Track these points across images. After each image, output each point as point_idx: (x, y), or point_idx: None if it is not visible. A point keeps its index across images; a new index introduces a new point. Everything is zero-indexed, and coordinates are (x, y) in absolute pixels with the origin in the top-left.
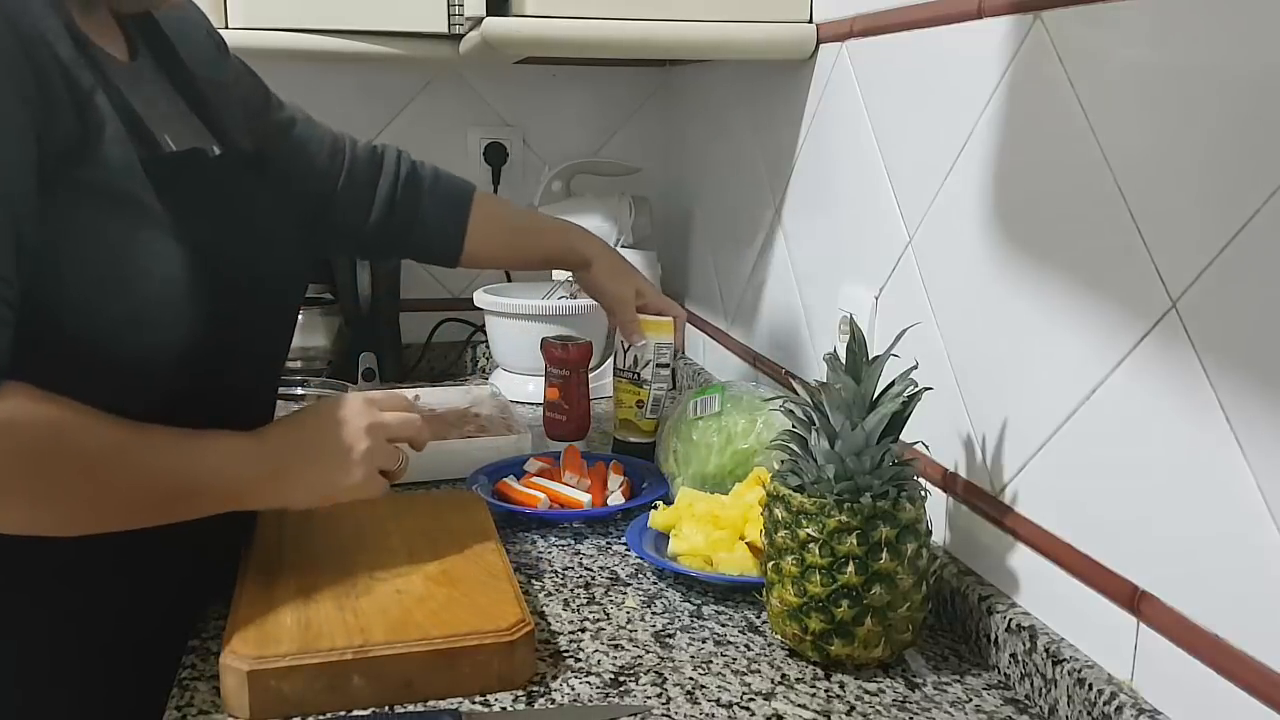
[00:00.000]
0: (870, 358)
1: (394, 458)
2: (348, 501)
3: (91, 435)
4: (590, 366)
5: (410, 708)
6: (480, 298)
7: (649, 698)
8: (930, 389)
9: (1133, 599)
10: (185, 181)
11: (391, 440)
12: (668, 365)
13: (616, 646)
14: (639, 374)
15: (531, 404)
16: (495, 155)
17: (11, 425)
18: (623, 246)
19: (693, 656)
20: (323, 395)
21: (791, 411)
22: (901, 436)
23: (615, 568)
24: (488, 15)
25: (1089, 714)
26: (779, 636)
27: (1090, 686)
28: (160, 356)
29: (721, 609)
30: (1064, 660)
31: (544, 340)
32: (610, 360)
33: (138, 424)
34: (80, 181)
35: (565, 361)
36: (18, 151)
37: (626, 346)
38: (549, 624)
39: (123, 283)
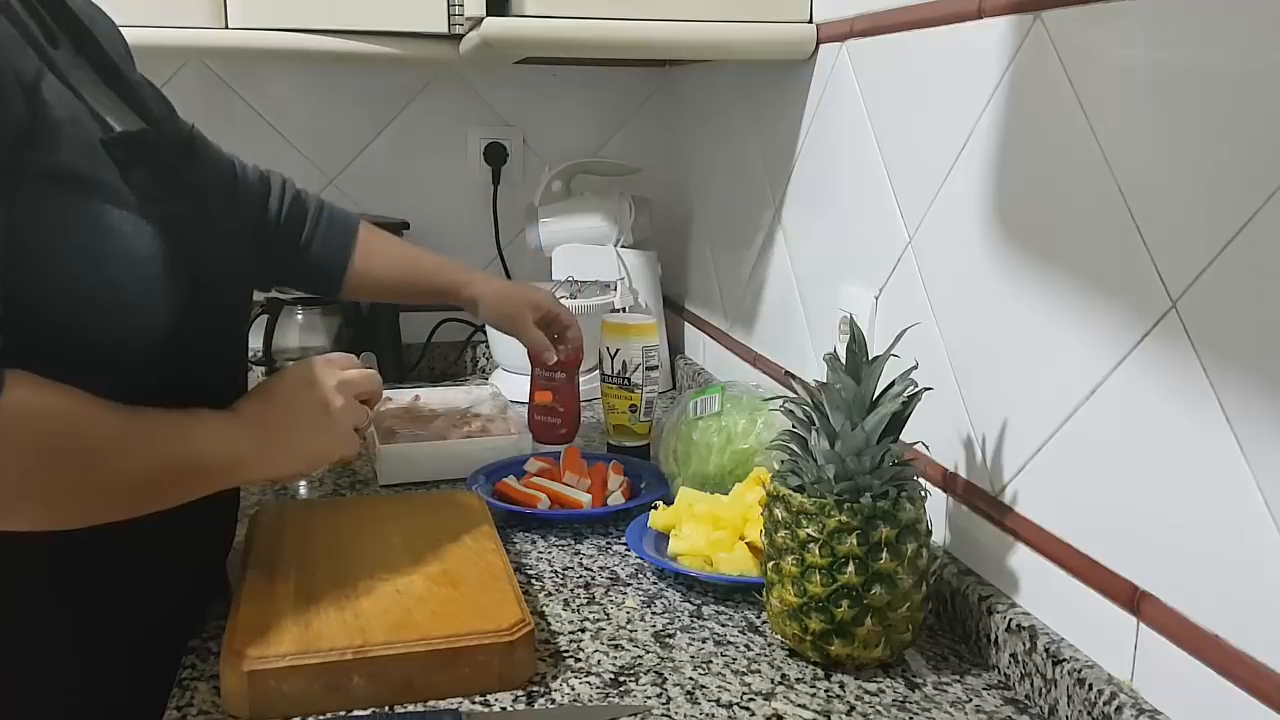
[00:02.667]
0: (870, 358)
1: (363, 414)
2: (329, 463)
3: (97, 422)
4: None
5: (410, 708)
6: None
7: (649, 698)
8: (930, 389)
9: (1133, 599)
10: (143, 162)
11: (358, 397)
12: (656, 367)
13: (616, 646)
14: (629, 379)
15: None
16: (495, 155)
17: (24, 414)
18: (623, 246)
19: (693, 656)
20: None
21: (791, 411)
22: (901, 436)
23: (615, 568)
24: (488, 15)
25: (1089, 714)
26: (779, 636)
27: (1090, 686)
28: (141, 340)
29: (721, 609)
30: (1064, 660)
31: None
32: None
33: (132, 408)
34: (43, 168)
35: (557, 364)
36: None
37: (614, 352)
38: (549, 624)
39: (101, 266)
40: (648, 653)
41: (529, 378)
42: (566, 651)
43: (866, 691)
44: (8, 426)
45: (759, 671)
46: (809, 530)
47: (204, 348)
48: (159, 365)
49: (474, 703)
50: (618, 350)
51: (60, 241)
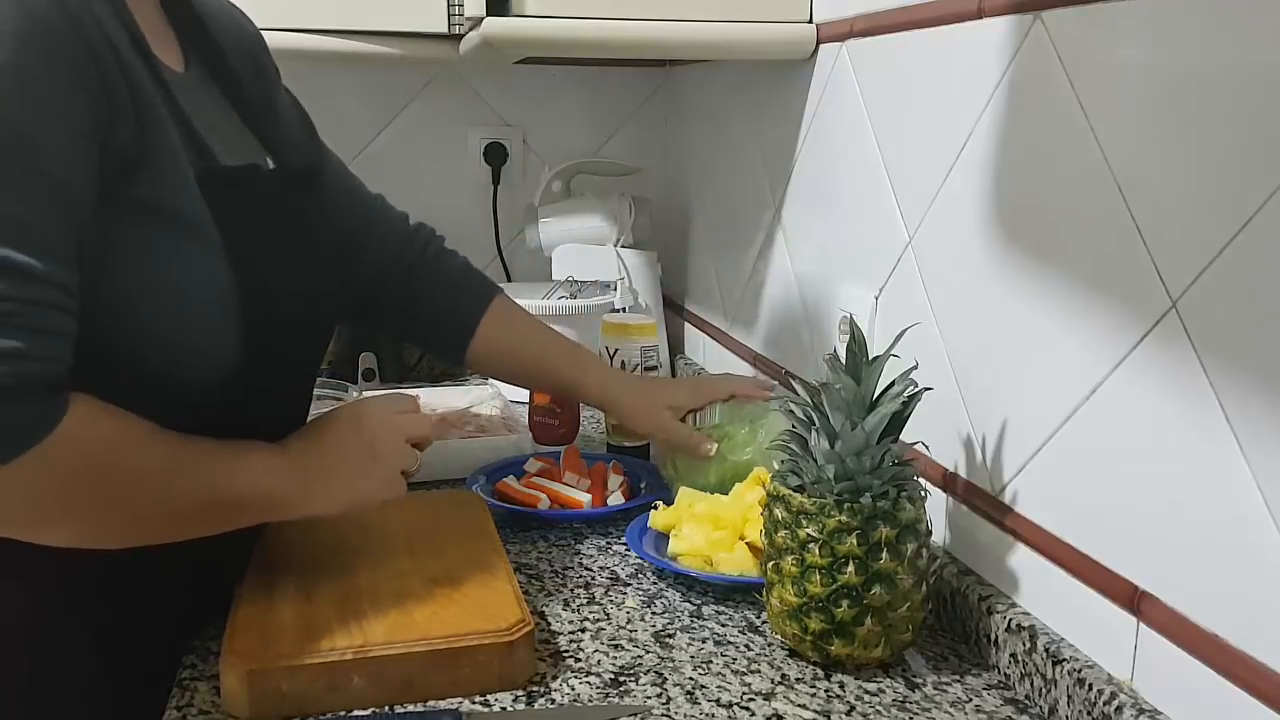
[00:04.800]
0: (870, 358)
1: (412, 458)
2: (371, 506)
3: (144, 452)
4: None
5: (410, 708)
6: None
7: (649, 698)
8: (930, 389)
9: (1133, 599)
10: (237, 197)
11: (408, 440)
12: (656, 368)
13: (616, 646)
14: None
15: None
16: (495, 155)
17: (71, 440)
18: (623, 246)
19: (693, 656)
20: (327, 396)
21: (791, 411)
22: (901, 436)
23: (615, 568)
24: (488, 15)
25: (1089, 714)
26: (779, 636)
27: (1090, 686)
28: (206, 373)
29: (721, 609)
30: (1064, 660)
31: None
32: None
33: (181, 437)
34: (134, 196)
35: None
36: (84, 165)
37: (612, 353)
38: (549, 624)
39: (174, 302)
40: (648, 653)
41: None
42: (566, 651)
43: (866, 691)
44: (57, 449)
45: (759, 671)
46: (809, 530)
47: (267, 385)
48: (228, 389)
49: (474, 703)
50: (617, 350)
51: (134, 271)
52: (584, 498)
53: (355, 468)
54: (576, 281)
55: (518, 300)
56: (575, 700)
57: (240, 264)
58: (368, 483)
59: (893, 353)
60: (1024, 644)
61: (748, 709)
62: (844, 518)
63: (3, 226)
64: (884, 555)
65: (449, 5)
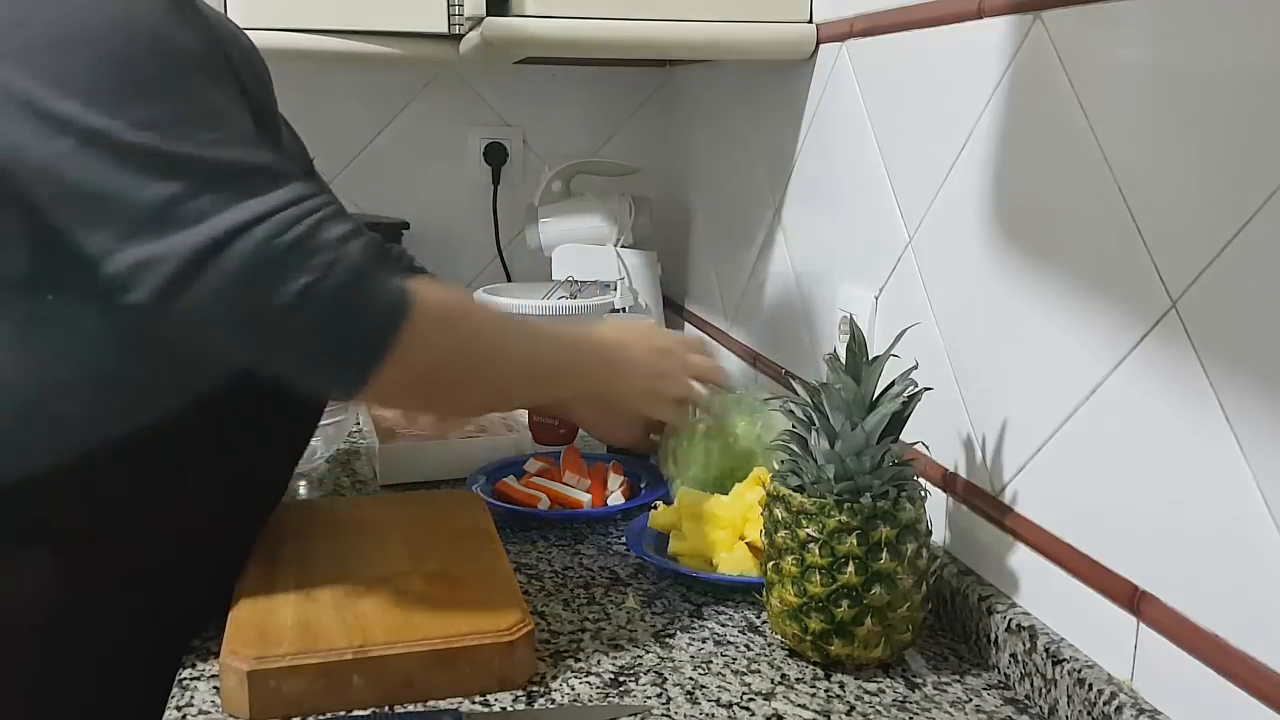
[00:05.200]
0: (870, 358)
1: (690, 390)
2: (650, 417)
3: (481, 311)
4: None
5: (410, 708)
6: (480, 298)
7: (649, 698)
8: (930, 389)
9: (1133, 599)
10: None
11: (694, 375)
12: None
13: (616, 646)
14: None
15: None
16: (495, 155)
17: (428, 296)
18: (623, 246)
19: (693, 656)
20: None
21: (791, 411)
22: (901, 436)
23: (615, 568)
24: (488, 15)
25: (1089, 714)
26: (779, 636)
27: (1090, 686)
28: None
29: (721, 609)
30: (1064, 660)
31: None
32: None
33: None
34: None
35: None
36: None
37: None
38: (549, 624)
39: None
40: (648, 653)
41: None
42: (566, 651)
43: (866, 691)
44: (424, 305)
45: (759, 671)
46: (809, 530)
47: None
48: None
49: (474, 703)
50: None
51: None
52: (584, 498)
53: (646, 372)
54: (576, 281)
55: (518, 300)
56: (575, 700)
57: None
58: (651, 392)
59: (893, 353)
60: (1024, 644)
61: (748, 709)
62: (844, 518)
63: (251, 140)
64: (884, 555)
65: (449, 5)
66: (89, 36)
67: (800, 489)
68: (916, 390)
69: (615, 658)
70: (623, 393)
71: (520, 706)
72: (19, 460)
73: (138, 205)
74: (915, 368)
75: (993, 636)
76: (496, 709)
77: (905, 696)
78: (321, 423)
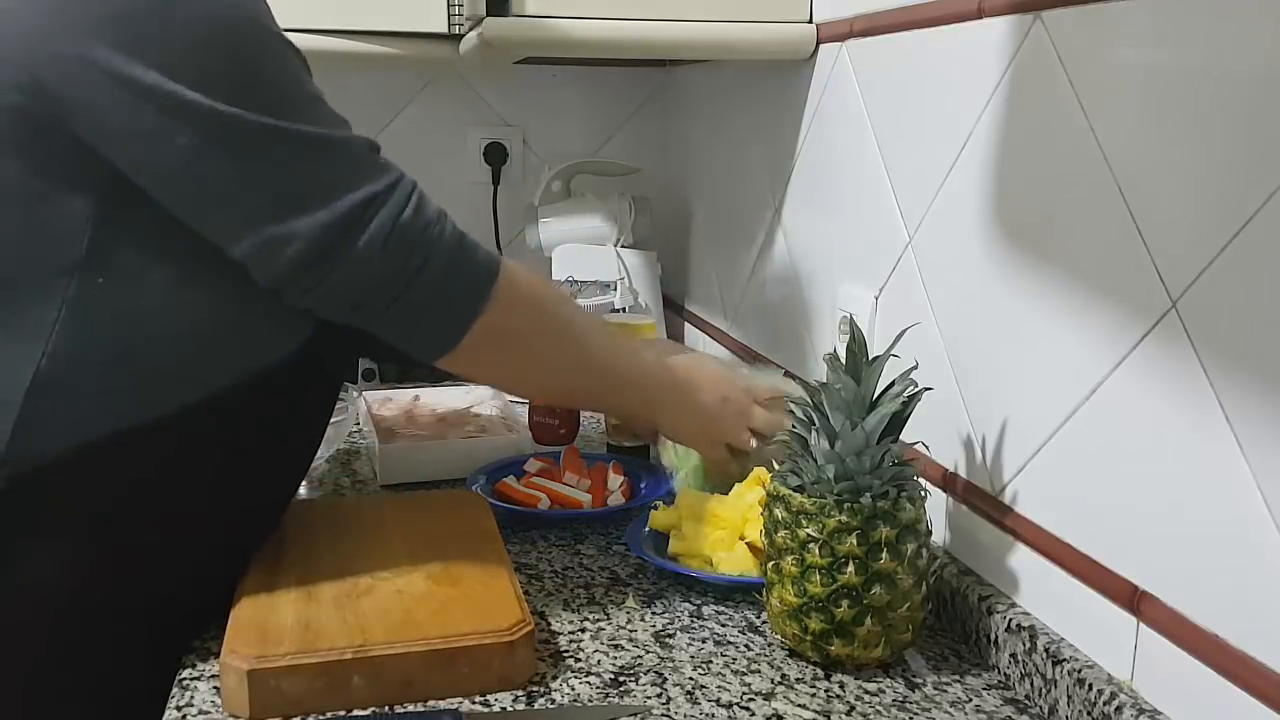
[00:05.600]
0: (870, 358)
1: (745, 441)
2: (705, 456)
3: (562, 298)
4: None
5: (410, 708)
6: None
7: (649, 698)
8: (930, 389)
9: (1133, 599)
10: None
11: (749, 426)
12: None
13: (616, 646)
14: None
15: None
16: (495, 155)
17: (514, 274)
18: (623, 246)
19: (693, 656)
20: None
21: (791, 411)
22: (901, 436)
23: (615, 568)
24: (488, 15)
25: (1089, 714)
26: (779, 636)
27: (1090, 686)
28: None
29: (721, 609)
30: (1064, 660)
31: None
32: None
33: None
34: None
35: None
36: None
37: None
38: (549, 624)
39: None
40: (648, 653)
41: None
42: (566, 651)
43: (866, 691)
44: (509, 282)
45: (759, 671)
46: (809, 530)
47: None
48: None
49: (474, 703)
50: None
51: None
52: (584, 498)
53: (708, 416)
54: (576, 281)
55: None
56: (575, 700)
57: None
58: (705, 435)
59: (893, 353)
60: (1024, 644)
61: (748, 709)
62: (844, 518)
63: (365, 163)
64: (884, 555)
65: (449, 5)
66: (195, 30)
67: (800, 489)
68: (916, 390)
69: (615, 658)
70: (679, 430)
71: (520, 706)
72: (44, 445)
73: (265, 187)
74: (915, 368)
75: (993, 636)
76: (496, 709)
77: (905, 696)
78: None
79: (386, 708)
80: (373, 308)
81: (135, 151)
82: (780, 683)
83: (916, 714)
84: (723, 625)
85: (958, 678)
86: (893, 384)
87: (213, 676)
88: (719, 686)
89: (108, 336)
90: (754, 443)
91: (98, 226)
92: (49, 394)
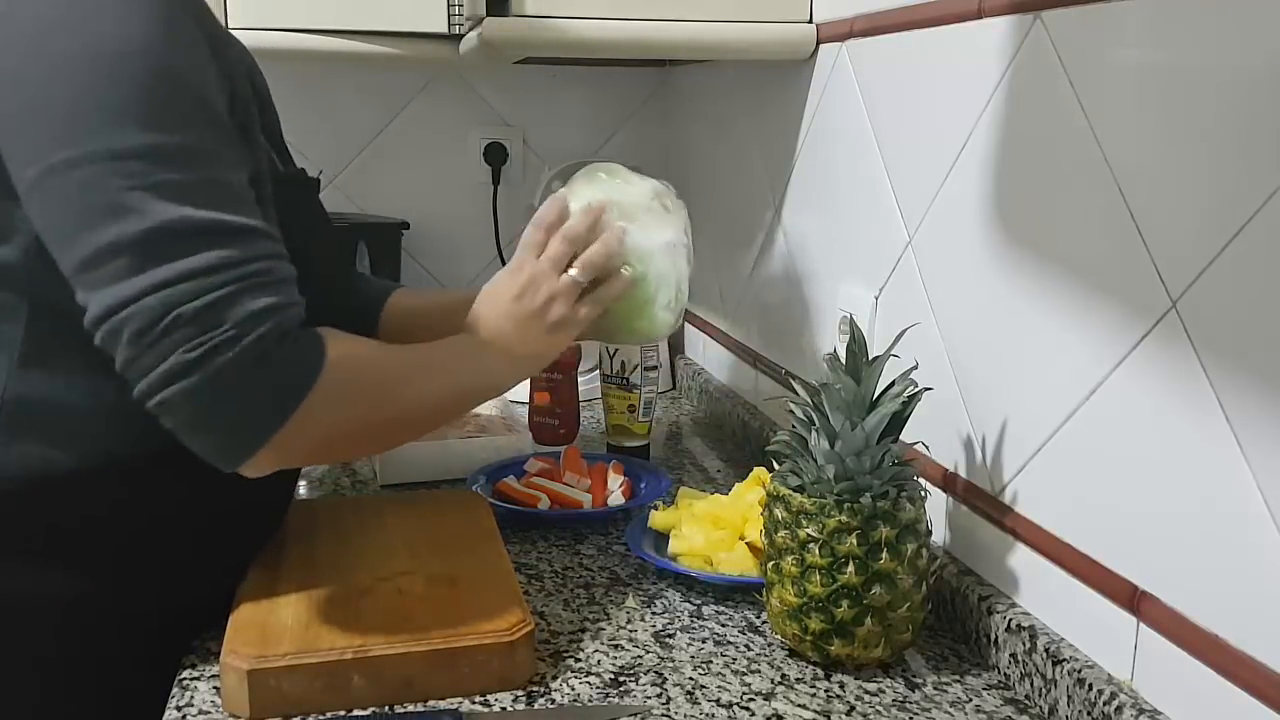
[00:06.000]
0: (870, 358)
1: (573, 296)
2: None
3: (399, 356)
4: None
5: (410, 708)
6: None
7: (649, 698)
8: (930, 389)
9: (1133, 599)
10: (295, 201)
11: (571, 288)
12: (655, 367)
13: (616, 646)
14: (628, 379)
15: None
16: (495, 155)
17: (342, 361)
18: None
19: (693, 656)
20: None
21: (791, 411)
22: (901, 436)
23: (615, 568)
24: (488, 15)
25: (1089, 714)
26: (779, 636)
27: (1090, 686)
28: None
29: (721, 609)
30: (1064, 660)
31: None
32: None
33: (404, 348)
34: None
35: (558, 365)
36: (237, 153)
37: (613, 352)
38: (549, 624)
39: None
40: (648, 653)
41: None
42: (566, 651)
43: (866, 691)
44: (335, 372)
45: (759, 671)
46: (809, 530)
47: None
48: None
49: (474, 703)
50: (616, 350)
51: None
52: (584, 498)
53: (525, 332)
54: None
55: None
56: (575, 700)
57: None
58: (544, 340)
59: (893, 353)
60: (1024, 644)
61: (748, 709)
62: (844, 518)
63: (212, 190)
64: (884, 555)
65: (449, 5)
66: (75, 70)
67: (800, 489)
68: (916, 390)
69: (615, 658)
70: (529, 360)
71: (520, 706)
72: (23, 463)
73: (80, 248)
74: (915, 368)
75: (993, 636)
76: (496, 709)
77: (905, 696)
78: None
79: (386, 708)
80: (152, 400)
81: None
82: (780, 683)
83: (916, 714)
84: (723, 625)
85: (958, 678)
86: (893, 384)
87: (213, 676)
88: (719, 686)
89: (72, 367)
90: (579, 275)
91: (29, 271)
92: (22, 410)
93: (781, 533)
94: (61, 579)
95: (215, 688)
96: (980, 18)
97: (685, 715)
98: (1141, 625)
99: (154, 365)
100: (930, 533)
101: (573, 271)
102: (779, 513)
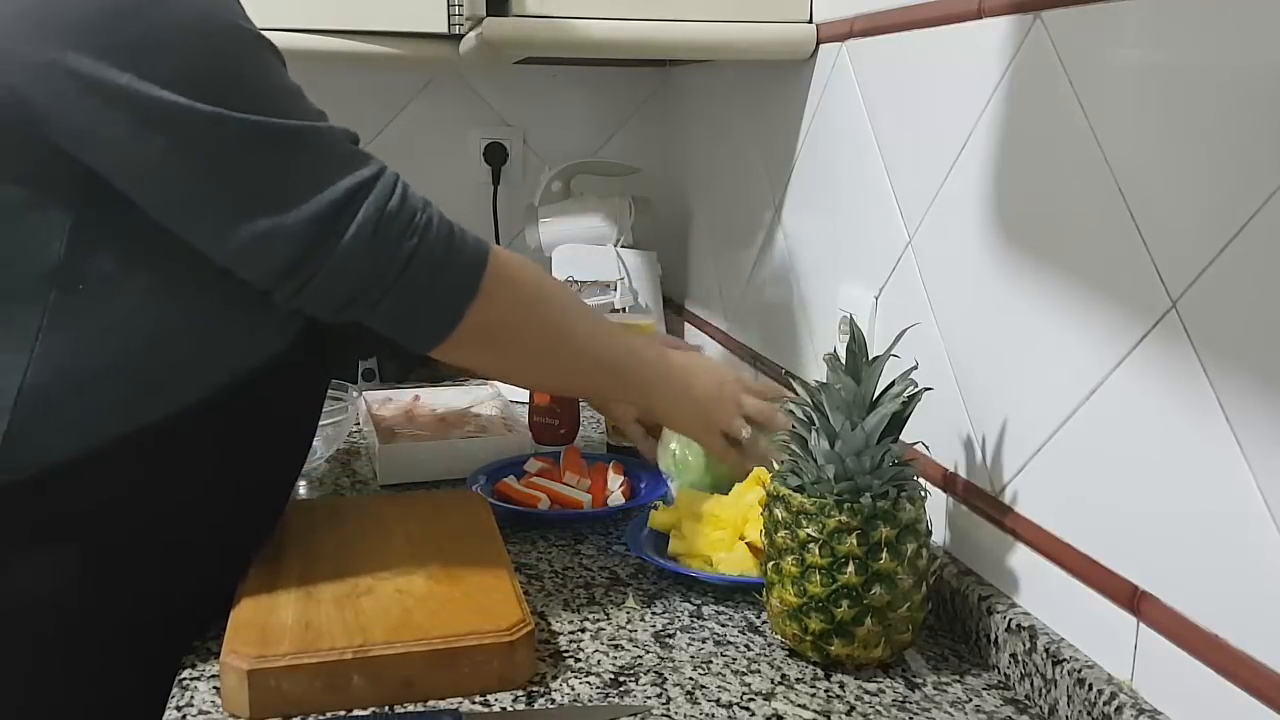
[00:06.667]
0: (870, 358)
1: (739, 429)
2: (702, 441)
3: (556, 285)
4: None
5: (410, 708)
6: None
7: (649, 698)
8: (930, 389)
9: (1133, 599)
10: None
11: (743, 413)
12: None
13: (616, 646)
14: None
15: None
16: (495, 155)
17: (503, 261)
18: (623, 246)
19: (693, 656)
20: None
21: (791, 411)
22: (901, 436)
23: (615, 568)
24: (488, 15)
25: (1089, 714)
26: (779, 636)
27: (1090, 686)
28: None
29: (721, 609)
30: (1064, 660)
31: None
32: None
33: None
34: None
35: None
36: None
37: None
38: (549, 624)
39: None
40: (648, 653)
41: None
42: (566, 651)
43: (866, 691)
44: (500, 268)
45: (759, 671)
46: (809, 530)
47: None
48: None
49: (474, 703)
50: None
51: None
52: (584, 498)
53: (702, 398)
54: (576, 282)
55: None
56: (575, 700)
57: None
58: (700, 418)
59: (893, 353)
60: (1024, 644)
61: (748, 709)
62: (844, 518)
63: (348, 154)
64: (884, 555)
65: (449, 5)
66: (173, 32)
67: (800, 489)
68: (916, 390)
69: (615, 658)
70: (673, 415)
71: (520, 706)
72: (37, 454)
73: (246, 184)
74: (915, 368)
75: (993, 636)
76: (496, 709)
77: (905, 696)
78: (321, 423)
79: (386, 708)
80: (364, 302)
81: (114, 157)
82: (780, 683)
83: (916, 714)
84: (723, 625)
85: (958, 678)
86: (893, 384)
87: (213, 676)
88: (719, 686)
89: (91, 345)
90: (748, 431)
91: (75, 233)
92: (37, 403)
93: (781, 533)
94: (55, 583)
95: (215, 688)
96: (980, 18)
97: (685, 715)
98: (1141, 625)
99: (380, 258)
100: (930, 533)
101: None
102: (779, 513)
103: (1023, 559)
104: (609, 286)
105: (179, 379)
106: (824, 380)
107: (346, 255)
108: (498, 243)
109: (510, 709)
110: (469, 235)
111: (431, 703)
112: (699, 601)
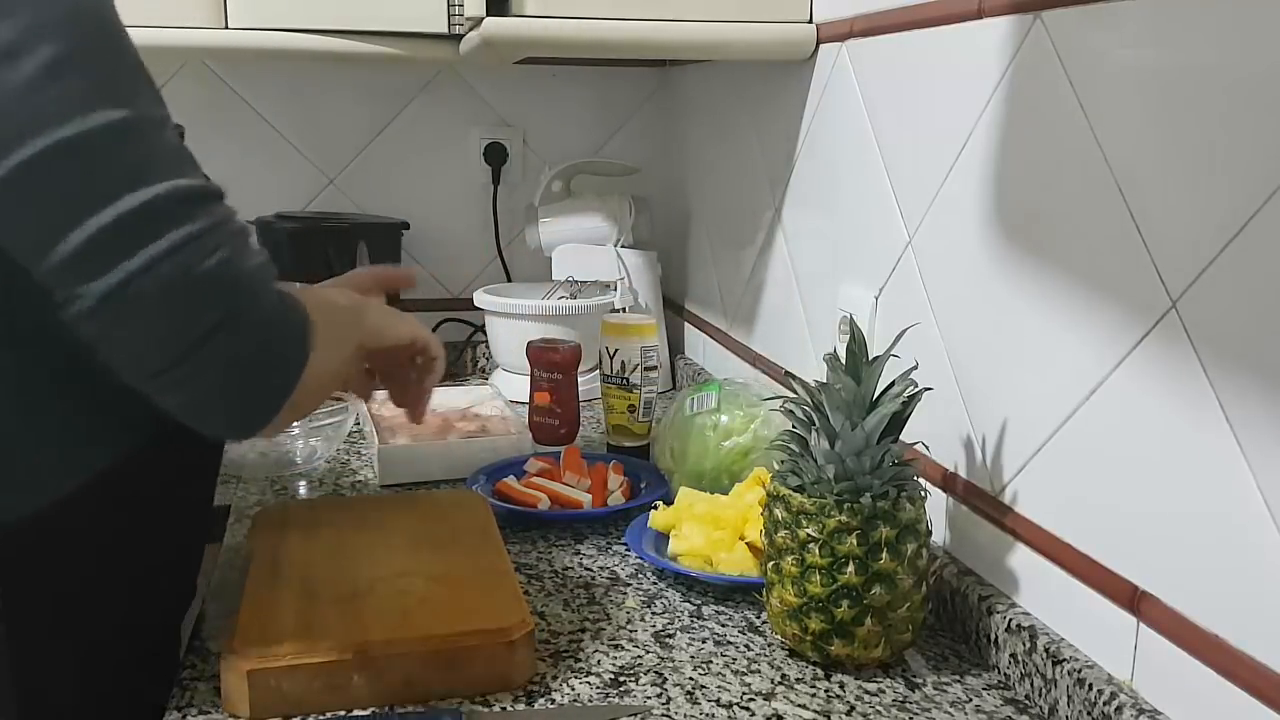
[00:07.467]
0: (870, 358)
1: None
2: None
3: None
4: (581, 369)
5: (410, 708)
6: (480, 298)
7: (649, 698)
8: (930, 389)
9: (1133, 599)
10: None
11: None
12: (655, 367)
13: (616, 646)
14: (627, 379)
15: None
16: (495, 155)
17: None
18: (623, 246)
19: (693, 656)
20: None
21: (791, 411)
22: (901, 436)
23: (615, 568)
24: (488, 15)
25: (1089, 714)
26: (779, 636)
27: (1090, 686)
28: None
29: (721, 609)
30: (1064, 660)
31: (530, 343)
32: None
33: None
34: None
35: (558, 364)
36: None
37: (613, 352)
38: (549, 624)
39: None
40: (648, 653)
41: (529, 378)
42: (566, 651)
43: (866, 691)
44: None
45: (759, 671)
46: (809, 530)
47: None
48: None
49: (474, 703)
50: (616, 350)
51: None
52: (584, 498)
53: (368, 310)
54: (576, 281)
55: (518, 300)
56: (575, 700)
57: None
58: (388, 316)
59: (893, 353)
60: (1024, 644)
61: (748, 709)
62: (844, 518)
63: (171, 157)
64: (884, 555)
65: (449, 5)
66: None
67: (800, 489)
68: (916, 390)
69: (615, 658)
70: (374, 327)
71: (520, 706)
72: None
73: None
74: (915, 368)
75: (993, 636)
76: (496, 709)
77: (905, 696)
78: (321, 423)
79: (386, 708)
80: (172, 371)
81: None
82: (780, 683)
83: (916, 714)
84: (723, 625)
85: (958, 678)
86: (893, 384)
87: (213, 676)
88: (719, 686)
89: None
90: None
91: None
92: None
93: (781, 533)
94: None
95: (215, 688)
96: (980, 18)
97: (685, 715)
98: (1141, 625)
99: (184, 325)
100: (930, 533)
101: None
102: (779, 513)
103: (1023, 559)
104: (609, 286)
105: (39, 477)
106: (824, 380)
107: (140, 316)
108: (498, 243)
109: (510, 709)
110: (296, 312)
111: (431, 703)
112: (699, 601)
